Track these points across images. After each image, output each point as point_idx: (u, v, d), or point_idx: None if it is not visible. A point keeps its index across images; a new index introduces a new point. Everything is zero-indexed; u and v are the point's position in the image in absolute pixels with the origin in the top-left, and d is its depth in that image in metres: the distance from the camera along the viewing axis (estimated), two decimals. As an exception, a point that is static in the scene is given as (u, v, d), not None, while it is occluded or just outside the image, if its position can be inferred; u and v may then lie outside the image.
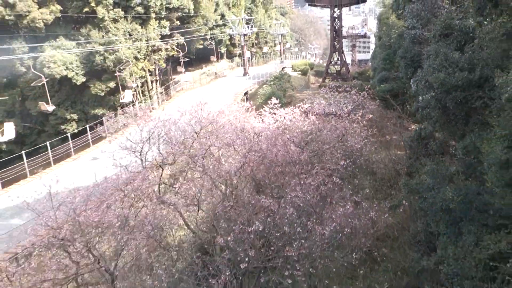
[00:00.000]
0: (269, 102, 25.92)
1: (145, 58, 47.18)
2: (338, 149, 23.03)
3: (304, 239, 11.14)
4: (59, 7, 40.09)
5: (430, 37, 21.51)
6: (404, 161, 27.00)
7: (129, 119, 29.52)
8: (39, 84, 33.01)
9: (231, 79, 63.67)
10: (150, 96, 51.12)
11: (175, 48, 51.08)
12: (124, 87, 41.35)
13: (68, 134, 32.49)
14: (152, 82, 52.45)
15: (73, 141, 31.08)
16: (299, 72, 70.98)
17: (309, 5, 64.03)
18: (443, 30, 19.94)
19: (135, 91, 46.19)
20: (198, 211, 15.41)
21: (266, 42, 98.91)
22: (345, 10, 71.25)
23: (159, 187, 18.45)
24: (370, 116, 28.04)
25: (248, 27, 67.10)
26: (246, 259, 10.85)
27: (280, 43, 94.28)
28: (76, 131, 41.62)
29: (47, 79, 35.62)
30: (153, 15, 46.91)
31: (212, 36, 64.16)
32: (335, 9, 59.25)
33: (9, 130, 25.88)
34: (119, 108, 44.86)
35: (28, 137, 46.75)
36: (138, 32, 44.97)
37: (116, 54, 41.06)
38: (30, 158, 28.00)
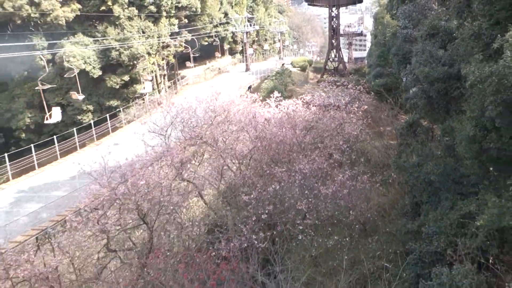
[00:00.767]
0: (271, 95, 28.23)
1: (156, 54, 49.72)
2: (337, 136, 25.60)
3: (312, 197, 13.77)
4: (79, 6, 42.57)
5: (418, 36, 23.97)
6: (396, 148, 29.53)
7: (144, 108, 32.00)
8: (72, 76, 35.47)
9: (234, 74, 66.05)
10: (158, 90, 53.59)
11: (184, 44, 53.60)
12: (138, 81, 43.93)
13: (92, 122, 35.07)
14: (161, 76, 54.94)
15: (91, 130, 33.69)
16: (299, 68, 73.47)
17: (309, 4, 66.46)
18: (430, 30, 22.39)
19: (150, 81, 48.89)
20: (220, 181, 18.02)
21: (266, 40, 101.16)
22: (342, 8, 73.66)
23: (181, 165, 20.95)
24: (366, 107, 30.56)
25: (250, 25, 69.63)
26: (266, 212, 13.49)
27: (279, 40, 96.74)
28: (91, 121, 44.17)
29: (67, 73, 38.20)
30: (164, 13, 49.38)
31: (216, 33, 66.59)
32: (333, 9, 61.78)
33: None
34: (131, 100, 47.51)
35: (45, 127, 49.13)
36: (151, 29, 47.47)
37: (130, 49, 43.56)
38: (49, 146, 30.40)
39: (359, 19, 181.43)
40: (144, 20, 47.22)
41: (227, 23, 70.72)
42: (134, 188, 14.53)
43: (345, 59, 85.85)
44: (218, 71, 69.37)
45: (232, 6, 76.52)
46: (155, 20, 49.10)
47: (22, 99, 46.27)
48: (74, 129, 31.49)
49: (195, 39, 56.92)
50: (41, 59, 43.74)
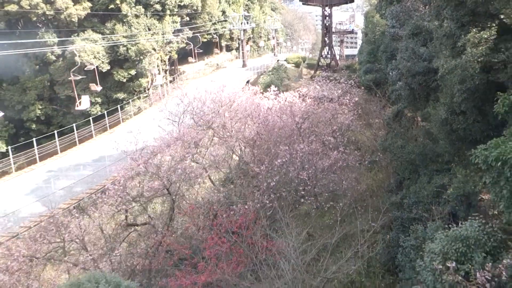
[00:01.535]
0: (268, 89, 30.72)
1: (160, 50, 52.10)
2: (330, 125, 28.16)
3: (311, 169, 16.36)
4: (90, 4, 44.81)
5: (404, 35, 26.48)
6: (384, 137, 32.15)
7: (149, 101, 34.32)
8: (91, 69, 37.97)
9: (232, 70, 68.31)
10: (161, 85, 55.97)
11: (186, 41, 55.98)
12: (143, 75, 46.42)
13: (105, 112, 37.24)
14: (163, 71, 57.27)
15: (103, 120, 36.07)
16: (293, 65, 75.85)
17: (303, 4, 68.50)
18: (414, 30, 24.82)
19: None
20: (232, 158, 20.63)
21: (261, 37, 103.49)
22: (334, 6, 75.94)
23: (196, 149, 23.41)
24: (356, 99, 33.19)
25: (247, 23, 72.05)
26: (274, 180, 16.06)
27: (274, 37, 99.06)
28: (99, 113, 46.35)
29: (76, 66, 40.48)
30: (168, 12, 51.76)
31: (215, 30, 68.92)
32: (326, 8, 64.20)
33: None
34: (136, 93, 49.87)
35: (54, 118, 51.30)
36: (156, 26, 49.81)
37: (137, 45, 45.90)
38: (59, 136, 32.68)
39: (350, 17, 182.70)
40: (150, 18, 49.56)
41: (225, 21, 72.99)
42: (162, 162, 17.05)
43: (337, 56, 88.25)
44: (216, 66, 71.67)
45: (230, 4, 78.71)
46: (160, 18, 51.43)
47: (33, 92, 48.29)
48: (90, 118, 33.87)
49: (194, 36, 59.36)
50: (52, 54, 46.23)
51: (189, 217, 15.44)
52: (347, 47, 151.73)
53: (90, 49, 43.28)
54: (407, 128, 26.77)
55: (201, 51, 60.43)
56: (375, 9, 51.41)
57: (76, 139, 31.35)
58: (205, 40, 68.18)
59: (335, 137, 25.48)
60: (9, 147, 30.81)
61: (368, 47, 53.05)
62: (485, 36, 13.19)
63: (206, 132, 24.59)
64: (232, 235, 13.71)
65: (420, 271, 10.51)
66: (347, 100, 30.91)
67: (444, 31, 16.18)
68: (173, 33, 54.12)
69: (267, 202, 15.17)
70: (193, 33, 57.74)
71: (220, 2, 71.96)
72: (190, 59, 56.85)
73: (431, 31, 24.05)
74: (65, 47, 44.01)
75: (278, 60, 75.38)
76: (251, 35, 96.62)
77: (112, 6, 46.11)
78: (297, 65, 75.81)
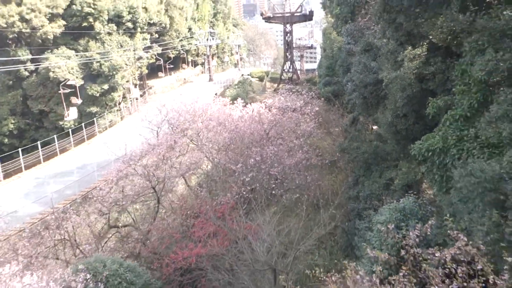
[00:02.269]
0: (235, 101, 33.03)
1: (132, 65, 53.83)
2: (295, 132, 30.72)
3: (280, 166, 18.87)
4: (64, 22, 46.15)
5: (357, 51, 29.51)
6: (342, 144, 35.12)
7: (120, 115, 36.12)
8: (73, 84, 39.72)
9: (199, 84, 70.38)
10: (130, 99, 57.58)
11: (156, 56, 57.99)
12: (115, 89, 48.04)
13: (83, 125, 38.61)
14: (134, 85, 58.91)
15: (78, 133, 37.61)
16: (257, 78, 78.74)
17: (266, 22, 71.55)
18: (365, 46, 27.88)
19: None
20: (210, 161, 22.91)
21: (224, 52, 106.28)
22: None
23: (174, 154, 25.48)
24: (317, 109, 36.03)
25: (213, 39, 74.68)
26: (249, 176, 18.44)
27: (237, 52, 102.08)
28: (73, 126, 47.45)
29: (51, 82, 41.90)
30: (139, 29, 53.68)
31: (182, 47, 71.11)
32: (287, 25, 67.58)
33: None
34: (109, 107, 51.29)
35: (27, 132, 51.82)
36: (128, 43, 51.58)
37: (110, 61, 47.52)
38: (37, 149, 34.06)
39: (309, 33, 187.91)
40: (122, 35, 51.30)
41: (191, 37, 75.31)
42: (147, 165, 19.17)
43: (298, 71, 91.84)
44: (184, 81, 73.68)
45: (195, 22, 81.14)
46: (131, 35, 53.21)
47: (6, 107, 48.80)
48: (70, 130, 35.36)
49: (163, 52, 61.29)
50: (25, 70, 47.22)
51: (175, 212, 17.54)
52: (307, 62, 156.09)
53: (64, 65, 44.59)
54: (362, 132, 29.78)
55: (171, 66, 62.49)
56: (332, 26, 54.77)
57: (57, 149, 32.75)
58: (173, 55, 70.18)
59: (299, 139, 28.02)
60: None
61: (326, 61, 56.46)
62: (418, 52, 16.12)
63: (183, 140, 26.70)
64: (217, 220, 15.94)
65: (370, 239, 13.05)
66: (309, 110, 33.49)
67: (388, 48, 19.16)
68: (144, 49, 56.01)
69: (244, 193, 17.49)
70: (162, 50, 59.81)
71: (186, 20, 74.25)
72: (160, 74, 58.81)
73: (379, 47, 27.19)
74: (37, 64, 45.13)
75: (242, 75, 78.07)
76: (216, 51, 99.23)
77: (85, 24, 47.60)
78: (261, 79, 78.73)
